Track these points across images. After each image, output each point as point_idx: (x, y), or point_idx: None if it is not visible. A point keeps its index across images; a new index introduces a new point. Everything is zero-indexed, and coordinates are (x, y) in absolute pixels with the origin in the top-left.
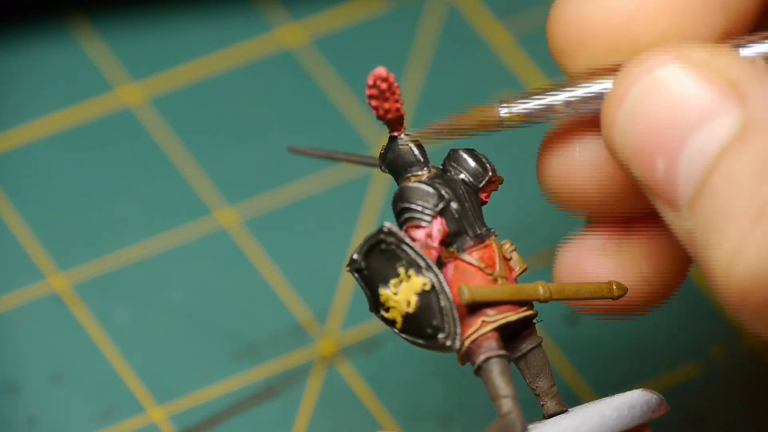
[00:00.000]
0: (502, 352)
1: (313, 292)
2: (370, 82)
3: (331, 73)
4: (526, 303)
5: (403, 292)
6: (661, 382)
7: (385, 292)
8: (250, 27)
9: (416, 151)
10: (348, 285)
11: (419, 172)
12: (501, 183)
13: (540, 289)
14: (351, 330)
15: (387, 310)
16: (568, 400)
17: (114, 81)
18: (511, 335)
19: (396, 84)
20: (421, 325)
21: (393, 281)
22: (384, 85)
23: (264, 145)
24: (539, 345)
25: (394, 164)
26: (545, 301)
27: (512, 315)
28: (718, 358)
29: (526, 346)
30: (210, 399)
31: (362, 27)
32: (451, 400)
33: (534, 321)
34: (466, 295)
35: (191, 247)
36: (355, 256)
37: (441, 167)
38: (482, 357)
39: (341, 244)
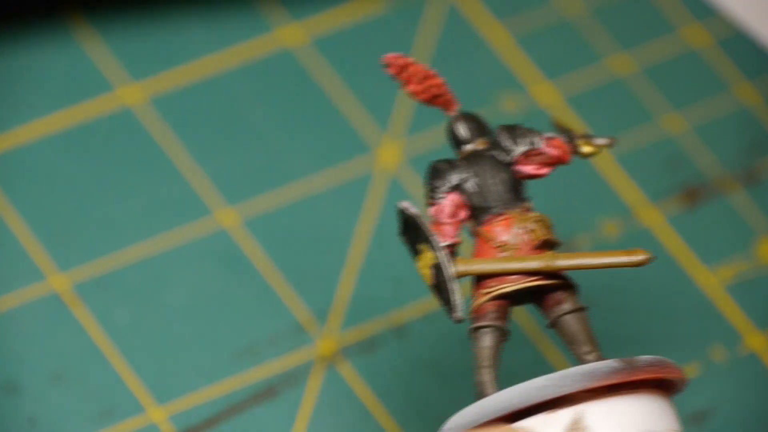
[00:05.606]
0: (494, 323)
1: (313, 292)
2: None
3: (331, 73)
4: (536, 273)
5: (423, 265)
6: None
7: (417, 264)
8: (250, 27)
9: (462, 131)
10: (348, 285)
11: (464, 149)
12: (588, 152)
13: (538, 260)
14: (351, 330)
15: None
16: None
17: (114, 81)
18: (540, 304)
19: (417, 65)
20: (439, 295)
21: (419, 255)
22: (395, 68)
23: (264, 145)
24: (567, 313)
25: (451, 143)
26: (545, 271)
27: (508, 287)
28: (718, 358)
29: (555, 313)
30: (210, 399)
31: (362, 27)
32: (450, 400)
33: (570, 289)
34: (453, 270)
35: (191, 247)
36: (399, 235)
37: (490, 143)
38: (473, 326)
39: (341, 244)
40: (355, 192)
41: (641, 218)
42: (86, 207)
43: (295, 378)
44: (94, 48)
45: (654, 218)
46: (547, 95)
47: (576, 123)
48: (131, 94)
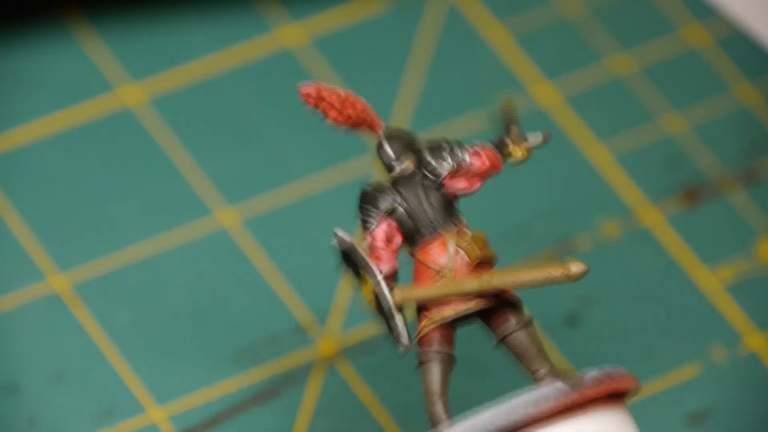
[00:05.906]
0: (440, 350)
1: (313, 293)
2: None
3: (331, 73)
4: (477, 295)
5: (366, 292)
6: (661, 382)
7: (361, 291)
8: (250, 27)
9: (390, 151)
10: (348, 285)
11: (392, 172)
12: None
13: (475, 282)
14: (351, 331)
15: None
16: None
17: (114, 81)
18: (486, 322)
19: (332, 92)
20: (382, 324)
21: (362, 282)
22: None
23: (264, 145)
24: (514, 331)
25: (383, 166)
26: (483, 292)
27: (449, 312)
28: (718, 358)
29: (499, 334)
30: (210, 399)
31: (362, 27)
32: (450, 399)
33: (514, 307)
34: (393, 299)
35: (191, 247)
36: (340, 266)
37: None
38: (420, 357)
39: None
40: (355, 192)
41: (641, 218)
42: (86, 207)
43: (295, 378)
44: (94, 48)
45: (654, 218)
46: (547, 95)
47: (576, 123)
48: (131, 94)
